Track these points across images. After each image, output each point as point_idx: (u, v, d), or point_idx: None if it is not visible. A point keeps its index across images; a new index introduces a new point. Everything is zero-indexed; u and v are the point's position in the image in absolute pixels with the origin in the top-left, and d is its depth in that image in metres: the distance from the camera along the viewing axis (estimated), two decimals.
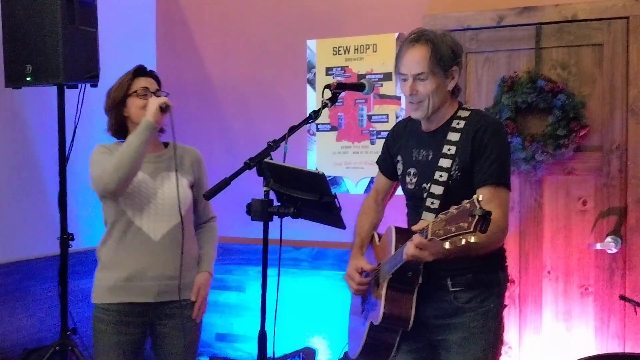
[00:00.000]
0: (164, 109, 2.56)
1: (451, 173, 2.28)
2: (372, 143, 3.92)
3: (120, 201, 2.59)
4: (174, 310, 2.65)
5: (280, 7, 4.14)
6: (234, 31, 4.27)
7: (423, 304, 2.32)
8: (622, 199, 3.40)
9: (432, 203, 2.28)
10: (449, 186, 2.27)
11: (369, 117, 3.93)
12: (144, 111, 2.58)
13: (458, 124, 2.31)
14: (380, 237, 2.60)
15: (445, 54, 2.26)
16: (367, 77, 3.89)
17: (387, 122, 3.87)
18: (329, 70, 4.02)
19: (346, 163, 3.99)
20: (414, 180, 2.40)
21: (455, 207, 1.90)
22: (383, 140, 3.85)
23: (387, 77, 3.87)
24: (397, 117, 3.85)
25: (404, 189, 2.51)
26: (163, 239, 2.62)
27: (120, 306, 2.60)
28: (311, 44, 4.06)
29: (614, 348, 3.40)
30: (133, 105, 2.64)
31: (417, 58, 2.27)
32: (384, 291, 2.30)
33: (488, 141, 2.24)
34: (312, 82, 4.06)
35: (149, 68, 2.74)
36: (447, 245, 1.88)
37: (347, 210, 2.32)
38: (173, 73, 4.44)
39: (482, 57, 3.69)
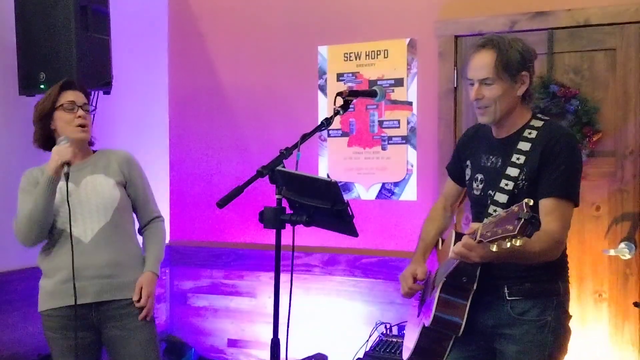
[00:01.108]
0: (64, 169, 2.54)
1: (517, 182, 2.27)
2: (384, 149, 3.92)
3: (43, 238, 2.68)
4: (117, 311, 2.68)
5: (291, 13, 4.15)
6: (245, 38, 4.28)
7: (480, 311, 2.32)
8: (636, 204, 3.38)
9: (495, 211, 2.26)
10: (514, 195, 2.26)
11: (380, 122, 3.92)
12: (70, 126, 2.64)
13: (530, 133, 2.29)
14: (443, 242, 2.61)
15: (513, 59, 2.25)
16: (379, 82, 3.89)
17: (398, 127, 3.87)
18: (340, 77, 4.02)
19: (357, 169, 3.99)
20: (481, 186, 2.38)
21: (505, 210, 1.92)
22: (394, 145, 3.91)
23: (398, 82, 3.86)
24: (408, 123, 3.84)
25: (469, 195, 2.50)
26: (94, 239, 2.65)
27: (63, 310, 2.64)
28: (322, 50, 4.06)
29: (629, 355, 3.37)
30: (59, 119, 2.66)
31: (482, 63, 2.26)
32: (437, 294, 2.32)
33: (558, 153, 2.22)
34: (323, 88, 4.07)
35: (74, 82, 2.78)
36: (494, 248, 1.89)
37: (359, 217, 2.31)
38: (185, 80, 4.47)
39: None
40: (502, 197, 2.27)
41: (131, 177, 2.81)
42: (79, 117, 2.66)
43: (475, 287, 2.29)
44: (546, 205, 2.21)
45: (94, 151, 2.81)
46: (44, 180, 2.55)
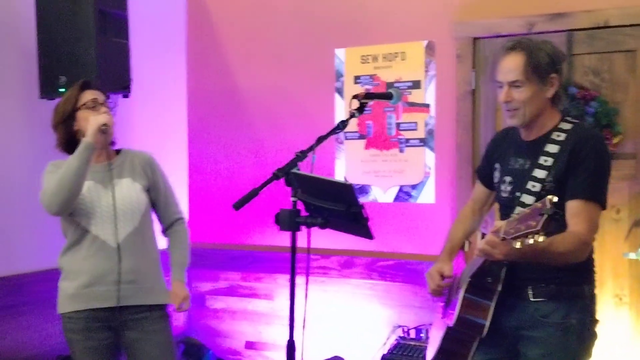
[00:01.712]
0: (103, 130, 2.57)
1: (545, 184, 2.26)
2: (401, 151, 3.91)
3: (74, 213, 2.63)
4: (137, 315, 2.70)
5: (308, 16, 4.16)
6: (262, 41, 4.30)
7: (504, 313, 2.32)
8: None
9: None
10: (541, 197, 2.23)
11: (398, 125, 3.91)
12: None
13: (558, 136, 2.28)
14: (470, 244, 2.61)
15: (542, 61, 2.25)
16: (396, 85, 3.89)
17: (415, 130, 3.86)
18: (357, 79, 4.02)
19: (375, 171, 3.99)
20: (509, 188, 2.38)
21: (529, 207, 1.93)
22: (412, 148, 3.90)
23: (415, 84, 3.86)
24: (426, 125, 3.83)
25: (497, 198, 2.50)
26: (120, 244, 2.65)
27: (85, 313, 2.64)
28: (339, 52, 4.07)
29: None
30: (83, 118, 2.65)
31: (512, 66, 2.26)
32: (461, 294, 2.32)
33: (586, 155, 2.21)
34: (340, 91, 4.07)
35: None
36: (517, 244, 1.90)
37: (376, 219, 2.32)
38: (202, 83, 4.49)
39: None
40: (528, 199, 2.27)
41: (154, 179, 2.82)
42: (104, 112, 2.67)
43: (500, 288, 2.29)
44: (573, 207, 2.20)
45: (116, 151, 2.79)
46: (82, 145, 2.53)
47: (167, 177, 2.89)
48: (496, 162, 2.50)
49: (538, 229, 1.83)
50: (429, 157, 3.84)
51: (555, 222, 1.85)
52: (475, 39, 3.71)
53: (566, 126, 2.31)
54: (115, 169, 2.72)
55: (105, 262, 2.63)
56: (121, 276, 2.64)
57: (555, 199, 1.87)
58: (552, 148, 2.27)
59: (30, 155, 3.41)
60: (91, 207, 2.64)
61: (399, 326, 3.73)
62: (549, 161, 2.26)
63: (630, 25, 3.36)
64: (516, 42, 2.30)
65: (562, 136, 2.28)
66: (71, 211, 2.61)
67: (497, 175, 2.48)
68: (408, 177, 3.90)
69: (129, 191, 2.71)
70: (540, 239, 1.84)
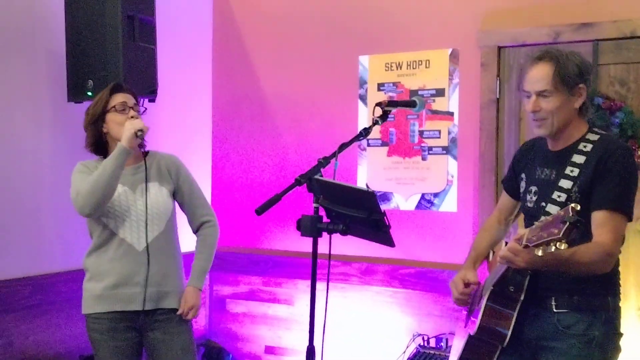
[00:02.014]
0: (139, 136, 2.59)
1: (570, 194, 2.25)
2: (424, 159, 3.90)
3: (102, 215, 2.66)
4: (160, 317, 2.73)
5: (333, 23, 4.17)
6: (287, 46, 4.32)
7: (526, 323, 2.31)
8: None
9: None
10: None
11: (421, 132, 3.91)
12: (123, 127, 2.62)
13: (585, 146, 2.27)
14: (495, 254, 2.61)
15: (570, 71, 2.25)
16: (420, 92, 3.89)
17: (439, 137, 3.85)
18: (380, 86, 4.02)
19: (397, 179, 3.98)
20: (534, 198, 2.37)
21: (552, 215, 1.93)
22: (435, 156, 3.90)
23: (439, 92, 3.85)
24: (449, 133, 3.82)
25: (523, 208, 2.49)
26: (147, 248, 2.67)
27: (110, 314, 2.68)
28: (363, 59, 4.08)
29: None
30: (112, 120, 2.68)
31: (540, 75, 2.27)
32: (483, 302, 2.32)
33: (612, 166, 2.20)
34: (363, 98, 4.08)
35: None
36: (539, 252, 1.90)
37: (398, 227, 2.32)
38: (227, 88, 4.53)
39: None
40: (554, 209, 2.25)
41: (178, 181, 2.83)
42: (132, 117, 2.69)
43: (522, 297, 2.27)
44: (598, 217, 2.18)
45: (143, 153, 2.79)
46: (117, 149, 2.57)
47: (193, 179, 2.90)
48: (522, 172, 2.49)
49: (560, 236, 1.83)
50: (451, 165, 3.83)
51: (578, 230, 1.84)
52: (500, 47, 3.70)
53: (593, 137, 2.29)
54: (142, 172, 2.74)
55: (131, 265, 2.67)
56: (146, 280, 2.67)
57: (578, 207, 1.87)
58: (578, 158, 2.26)
59: (58, 158, 3.46)
60: (119, 210, 2.67)
61: (419, 334, 3.71)
62: (575, 171, 2.24)
63: None
64: (544, 52, 2.30)
65: (589, 147, 2.27)
66: (101, 213, 2.65)
67: (523, 185, 2.47)
68: (430, 185, 3.89)
69: (156, 196, 2.73)
70: (562, 246, 1.84)
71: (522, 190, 2.48)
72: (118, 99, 2.70)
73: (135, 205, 2.69)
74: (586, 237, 2.17)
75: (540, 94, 2.27)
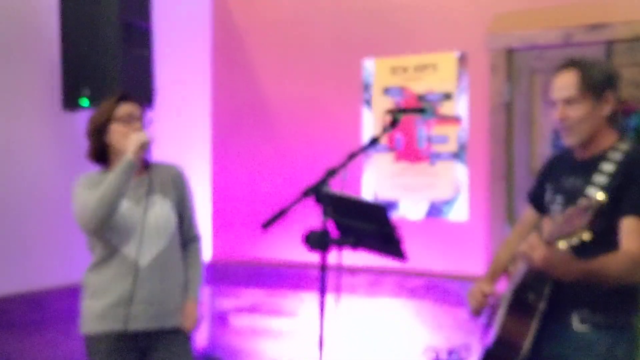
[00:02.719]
0: (145, 148, 2.51)
1: None
2: (432, 164, 3.79)
3: (105, 230, 2.56)
4: (163, 336, 2.64)
5: (336, 27, 4.10)
6: (289, 51, 4.24)
7: (545, 339, 2.22)
8: None
9: None
10: None
11: (429, 138, 3.80)
12: (127, 139, 2.53)
13: (615, 155, 2.21)
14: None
15: (596, 77, 2.21)
16: (427, 97, 3.78)
17: (447, 143, 3.74)
18: (386, 90, 3.92)
19: (404, 186, 3.87)
20: (559, 208, 2.30)
21: (574, 207, 1.92)
22: (443, 162, 3.79)
23: (447, 97, 3.74)
24: (458, 138, 3.71)
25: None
26: (150, 264, 2.58)
27: (111, 334, 2.58)
28: (369, 63, 3.98)
29: None
30: (115, 131, 2.58)
31: (566, 83, 2.23)
32: (502, 312, 2.27)
33: None
34: (368, 102, 3.97)
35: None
36: (560, 244, 1.89)
37: (406, 236, 2.28)
38: (227, 95, 4.45)
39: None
40: None
41: (182, 195, 2.76)
42: (136, 129, 2.60)
43: (542, 306, 2.18)
44: (627, 224, 2.11)
45: (146, 165, 2.70)
46: (123, 163, 2.48)
47: (192, 193, 2.83)
48: (548, 182, 2.42)
49: (583, 226, 1.82)
50: (460, 171, 3.72)
51: (602, 221, 1.83)
52: (509, 50, 3.61)
53: (623, 146, 2.22)
54: (146, 185, 2.65)
55: (134, 283, 2.57)
56: (150, 297, 2.57)
57: (604, 196, 1.85)
58: (607, 167, 2.19)
59: (52, 168, 3.39)
60: (123, 225, 2.57)
61: (431, 348, 3.60)
62: (604, 179, 2.17)
63: None
64: (569, 61, 2.27)
65: (618, 155, 2.20)
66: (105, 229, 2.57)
67: (548, 195, 2.40)
68: (439, 192, 3.78)
69: (161, 210, 2.65)
70: (586, 236, 1.82)
71: (547, 199, 2.40)
72: (124, 109, 2.60)
73: (138, 219, 2.60)
74: (613, 246, 2.10)
75: (566, 102, 2.22)
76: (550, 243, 1.93)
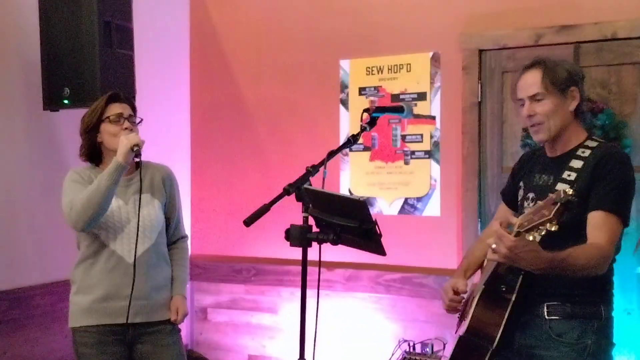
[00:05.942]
0: (135, 150, 2.54)
1: None
2: (406, 163, 3.88)
3: (94, 228, 2.60)
4: (150, 329, 2.69)
5: (313, 27, 4.14)
6: (266, 52, 4.27)
7: (517, 330, 2.29)
8: None
9: None
10: None
11: (403, 137, 3.89)
12: (117, 138, 2.57)
13: (584, 152, 2.28)
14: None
15: (560, 74, 2.28)
16: (401, 96, 3.86)
17: (421, 142, 3.83)
18: (362, 90, 3.99)
19: (380, 184, 3.95)
20: (532, 205, 2.35)
21: (544, 200, 1.96)
22: (417, 160, 3.87)
23: (421, 96, 3.83)
24: (431, 137, 3.80)
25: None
26: (137, 261, 2.62)
27: (99, 327, 2.62)
28: (344, 63, 4.04)
29: None
30: (106, 131, 2.63)
31: (530, 80, 2.30)
32: (474, 302, 2.30)
33: (611, 169, 2.20)
34: (345, 102, 4.04)
35: (123, 94, 2.71)
36: (530, 237, 1.93)
37: (382, 232, 2.28)
38: (206, 94, 4.46)
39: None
40: None
41: (171, 196, 2.81)
42: (125, 128, 2.63)
43: (514, 298, 2.24)
44: (595, 218, 2.17)
45: (136, 164, 2.71)
46: (113, 165, 2.51)
47: (180, 194, 2.87)
48: (521, 180, 2.49)
49: (550, 217, 1.86)
50: (434, 169, 3.81)
51: (569, 212, 1.87)
52: (481, 50, 3.69)
53: (592, 144, 2.30)
54: (136, 184, 2.68)
55: (121, 278, 2.61)
56: (136, 293, 2.61)
57: (571, 191, 1.90)
58: (576, 163, 2.26)
59: (33, 167, 3.38)
60: (111, 222, 2.61)
61: (405, 340, 3.68)
62: (573, 175, 2.24)
63: (639, 38, 3.34)
64: (533, 61, 2.34)
65: (587, 152, 2.27)
66: (94, 227, 2.59)
67: (521, 193, 2.47)
68: (413, 190, 3.87)
69: (148, 208, 2.69)
70: (553, 228, 1.86)
71: (519, 197, 2.47)
72: (114, 109, 2.65)
73: (127, 217, 2.64)
74: (580, 240, 2.16)
75: (533, 99, 2.29)
76: (519, 234, 1.98)
